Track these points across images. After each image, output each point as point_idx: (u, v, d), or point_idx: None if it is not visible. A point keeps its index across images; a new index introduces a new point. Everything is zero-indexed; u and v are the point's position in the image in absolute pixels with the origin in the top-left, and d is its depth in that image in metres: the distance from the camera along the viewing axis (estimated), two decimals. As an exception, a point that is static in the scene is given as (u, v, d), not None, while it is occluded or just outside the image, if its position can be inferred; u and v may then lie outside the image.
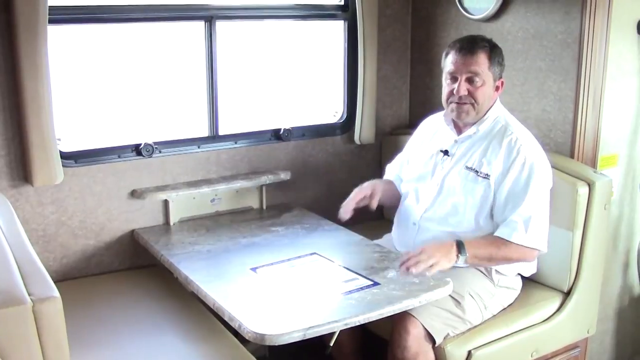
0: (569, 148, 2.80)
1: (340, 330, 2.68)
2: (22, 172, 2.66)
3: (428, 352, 2.37)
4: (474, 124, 2.59)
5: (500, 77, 2.57)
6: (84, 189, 2.83)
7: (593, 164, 2.81)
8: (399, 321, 2.37)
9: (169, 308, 2.64)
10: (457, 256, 2.39)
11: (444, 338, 2.39)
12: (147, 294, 2.76)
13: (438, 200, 2.63)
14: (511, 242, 2.43)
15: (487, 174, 2.51)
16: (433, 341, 2.37)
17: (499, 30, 3.03)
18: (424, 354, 2.36)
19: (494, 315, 2.55)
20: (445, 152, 2.65)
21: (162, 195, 2.93)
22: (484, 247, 2.46)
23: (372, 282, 2.32)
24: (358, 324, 2.13)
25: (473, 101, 2.52)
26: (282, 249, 2.71)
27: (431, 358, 2.38)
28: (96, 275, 2.93)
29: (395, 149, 3.29)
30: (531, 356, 2.60)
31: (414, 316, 2.34)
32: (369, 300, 2.21)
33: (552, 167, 2.60)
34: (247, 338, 2.04)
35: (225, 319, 2.16)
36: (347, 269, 2.46)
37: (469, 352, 2.41)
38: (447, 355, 2.38)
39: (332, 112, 3.50)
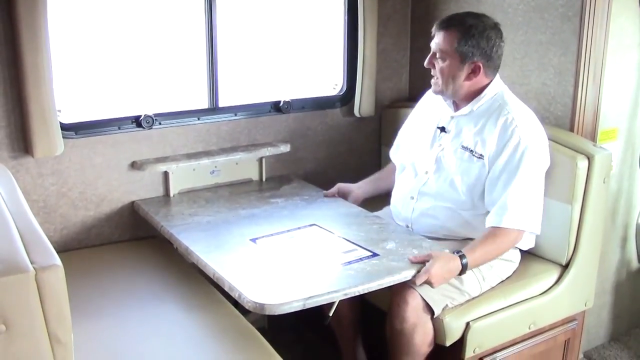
0: (569, 122, 2.80)
1: (340, 301, 2.71)
2: (23, 143, 2.66)
3: (426, 323, 2.39)
4: (469, 102, 2.58)
5: (474, 62, 2.50)
6: (84, 160, 2.83)
7: (593, 137, 2.82)
8: (397, 292, 2.39)
9: (168, 279, 2.65)
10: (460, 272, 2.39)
11: (443, 309, 2.41)
12: (147, 265, 2.78)
13: (435, 176, 2.64)
14: (503, 229, 2.43)
15: (481, 154, 2.51)
16: (431, 312, 2.38)
17: (500, 2, 3.02)
18: (422, 325, 2.38)
19: (492, 288, 2.56)
20: (442, 129, 2.65)
21: (162, 167, 2.94)
22: (480, 247, 2.44)
23: (371, 253, 2.34)
24: (357, 294, 2.15)
25: (437, 77, 2.57)
26: (282, 220, 2.72)
27: (429, 329, 2.40)
28: (96, 246, 2.95)
29: (395, 121, 3.30)
30: (529, 328, 2.62)
31: (412, 287, 2.36)
32: (368, 271, 2.23)
33: (552, 140, 2.60)
34: (247, 308, 2.07)
35: (225, 289, 2.17)
36: (347, 240, 2.48)
37: (467, 324, 2.43)
38: (445, 327, 2.39)
39: (332, 84, 3.49)
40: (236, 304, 2.55)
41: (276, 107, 3.27)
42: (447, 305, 2.42)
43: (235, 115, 3.18)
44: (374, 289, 2.17)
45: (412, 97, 3.44)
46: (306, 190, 3.10)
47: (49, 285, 1.56)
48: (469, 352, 2.44)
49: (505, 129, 2.48)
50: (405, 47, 3.58)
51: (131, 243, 3.01)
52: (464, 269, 2.35)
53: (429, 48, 2.58)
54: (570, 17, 2.73)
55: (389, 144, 3.26)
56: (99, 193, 2.91)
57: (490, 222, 2.47)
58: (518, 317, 2.57)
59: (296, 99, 3.33)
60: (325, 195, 2.88)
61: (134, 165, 2.93)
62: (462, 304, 2.47)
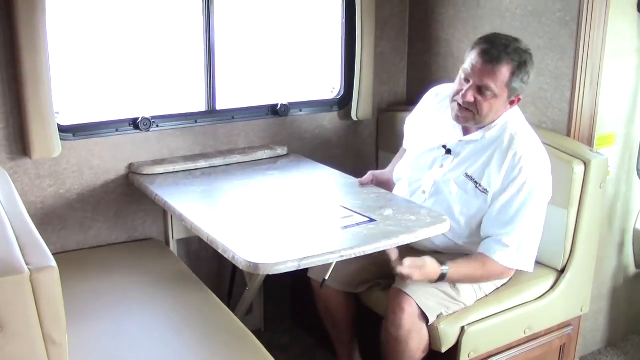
0: (566, 126, 2.80)
1: (336, 303, 2.73)
2: (21, 144, 2.66)
3: (422, 330, 2.39)
4: (480, 128, 2.47)
5: (518, 95, 2.40)
6: (81, 162, 2.83)
7: (590, 142, 2.82)
8: (394, 299, 2.39)
9: (164, 281, 2.65)
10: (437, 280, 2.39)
11: (437, 317, 2.41)
12: (143, 267, 2.78)
13: (431, 200, 2.55)
14: (494, 261, 2.39)
15: (485, 189, 2.41)
16: (427, 320, 2.39)
17: (497, 7, 3.02)
18: (418, 331, 2.38)
19: (487, 295, 2.56)
20: (449, 151, 2.54)
21: (159, 169, 2.93)
22: (466, 269, 2.43)
23: (368, 219, 2.33)
24: (354, 256, 2.13)
25: (476, 112, 2.37)
26: (278, 189, 2.77)
27: (425, 336, 2.40)
28: (94, 247, 2.95)
29: (392, 125, 3.31)
30: (524, 333, 2.62)
31: (409, 295, 2.36)
32: (365, 234, 2.22)
33: (549, 145, 2.60)
34: (241, 268, 2.06)
35: (219, 251, 2.17)
36: (344, 207, 2.48)
37: (462, 328, 2.43)
38: (441, 333, 2.39)
39: (329, 88, 3.50)
40: (232, 306, 2.57)
41: (273, 111, 3.28)
42: (442, 313, 2.42)
43: (233, 118, 3.18)
44: (370, 252, 2.17)
45: (410, 100, 3.45)
46: (303, 163, 3.14)
47: (44, 286, 1.57)
48: (463, 357, 2.45)
49: (513, 166, 2.37)
50: (403, 51, 3.59)
51: (128, 245, 3.01)
52: (440, 278, 2.37)
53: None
54: (568, 22, 2.74)
55: (386, 147, 3.28)
56: (97, 195, 2.91)
57: (483, 249, 2.42)
58: (513, 321, 2.57)
59: (293, 102, 3.33)
60: (361, 183, 2.77)
61: (131, 167, 2.93)
62: (457, 312, 2.47)
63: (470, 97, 2.35)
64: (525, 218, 2.37)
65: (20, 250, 1.66)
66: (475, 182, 2.44)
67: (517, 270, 2.52)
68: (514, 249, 2.38)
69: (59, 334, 1.62)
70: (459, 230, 2.50)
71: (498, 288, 2.59)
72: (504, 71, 2.31)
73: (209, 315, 2.41)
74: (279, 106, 3.27)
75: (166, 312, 2.43)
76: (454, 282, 2.44)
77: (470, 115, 2.39)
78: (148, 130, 2.95)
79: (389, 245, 2.22)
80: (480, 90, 2.34)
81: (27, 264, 1.58)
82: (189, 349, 2.20)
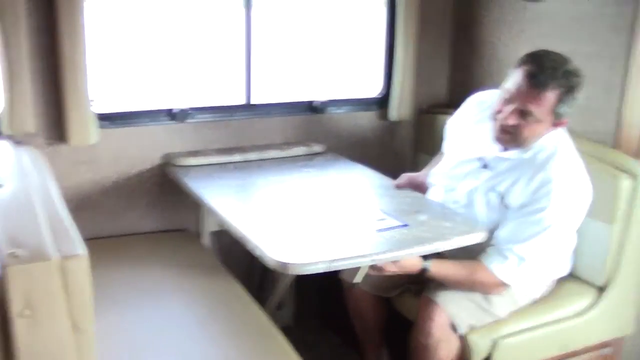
0: (613, 138, 2.70)
1: (366, 305, 2.69)
2: (59, 131, 2.67)
3: (451, 340, 2.33)
4: (519, 147, 2.34)
5: (563, 120, 2.26)
6: (118, 150, 2.83)
7: (638, 155, 2.72)
8: (424, 307, 2.34)
9: (194, 273, 2.64)
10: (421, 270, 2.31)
11: (468, 328, 2.35)
12: (174, 258, 2.77)
13: (462, 211, 2.46)
14: (487, 270, 2.30)
15: (508, 205, 2.33)
16: (457, 330, 2.33)
17: (545, 11, 2.94)
18: (447, 341, 2.32)
19: (522, 308, 2.48)
20: (484, 165, 2.46)
21: (193, 161, 2.92)
22: (454, 268, 2.35)
23: (401, 224, 2.28)
24: (385, 261, 2.12)
25: (517, 135, 2.27)
26: (313, 187, 2.73)
27: (454, 346, 2.34)
28: (126, 235, 2.95)
29: (431, 127, 3.25)
30: (560, 350, 2.54)
31: (439, 304, 2.31)
32: (397, 239, 2.17)
33: (593, 156, 2.51)
34: (269, 267, 2.03)
35: (249, 248, 2.14)
36: (378, 209, 2.43)
37: (494, 342, 2.36)
38: (471, 345, 2.34)
39: (369, 86, 3.45)
40: (262, 301, 2.54)
41: (310, 107, 3.24)
42: (473, 324, 2.36)
43: (270, 113, 3.15)
44: (402, 257, 2.14)
45: (451, 103, 3.38)
46: (340, 162, 3.08)
47: (73, 274, 1.57)
48: (494, 370, 2.39)
49: (539, 189, 2.26)
50: (446, 52, 3.52)
51: (160, 235, 3.01)
52: (423, 271, 2.29)
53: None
54: (620, 29, 2.64)
55: (425, 149, 3.21)
56: (132, 183, 2.91)
57: (482, 256, 2.33)
58: (548, 338, 2.49)
59: (331, 100, 3.29)
60: (397, 187, 2.71)
61: (166, 158, 2.92)
62: (490, 324, 2.40)
63: (511, 121, 2.24)
64: (538, 241, 2.27)
65: (52, 236, 1.65)
66: (502, 198, 2.36)
67: (555, 285, 2.45)
68: (514, 263, 2.28)
69: (85, 322, 1.63)
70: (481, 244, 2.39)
71: (535, 301, 2.51)
72: (550, 97, 2.18)
73: (237, 309, 2.39)
74: (316, 103, 3.23)
75: (194, 304, 2.41)
76: (438, 280, 2.36)
77: (510, 137, 2.29)
78: (184, 122, 2.93)
79: (422, 251, 2.17)
80: (523, 114, 2.22)
81: (57, 251, 1.58)
82: (214, 342, 2.18)
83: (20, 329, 1.53)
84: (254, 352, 2.15)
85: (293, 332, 2.33)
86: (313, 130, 3.27)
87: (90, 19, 2.55)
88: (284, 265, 1.97)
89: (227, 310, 2.39)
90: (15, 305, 1.51)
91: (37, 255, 1.55)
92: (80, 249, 1.61)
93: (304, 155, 3.15)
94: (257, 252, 2.07)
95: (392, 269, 2.24)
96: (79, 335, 1.62)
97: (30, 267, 1.52)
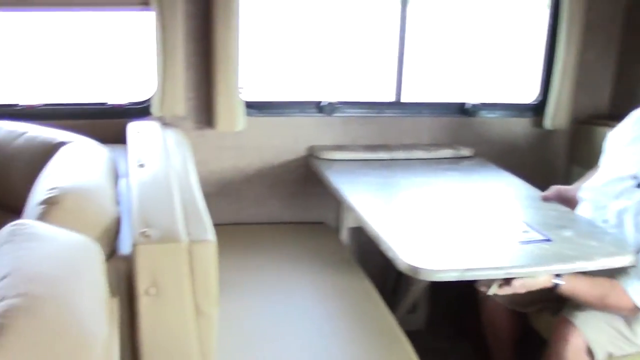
0: None
1: (500, 317, 2.59)
2: (207, 116, 2.75)
3: (586, 366, 2.19)
4: None
5: None
6: (263, 139, 2.88)
7: None
8: (559, 327, 2.21)
9: (327, 267, 2.64)
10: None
11: (606, 356, 2.19)
12: (308, 250, 2.78)
13: (612, 231, 2.28)
14: (622, 291, 2.12)
15: None
16: (593, 356, 2.18)
17: None
18: None
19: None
20: (639, 184, 2.27)
21: (338, 155, 2.92)
22: (588, 285, 2.16)
23: (544, 238, 2.15)
24: (520, 276, 2.01)
25: None
26: (457, 192, 2.65)
27: None
28: (265, 224, 3.00)
29: (589, 139, 3.07)
30: None
31: (576, 326, 2.17)
32: (537, 254, 2.05)
33: None
34: (400, 270, 1.97)
35: (381, 248, 2.10)
36: (521, 220, 2.31)
37: (636, 375, 2.19)
38: (608, 374, 2.18)
39: (524, 92, 3.31)
40: (394, 303, 2.50)
41: (461, 109, 3.16)
42: (612, 353, 2.20)
43: (419, 112, 3.10)
44: (540, 274, 2.03)
45: (614, 115, 3.16)
46: (486, 168, 2.98)
47: (200, 258, 1.60)
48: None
49: None
50: (613, 60, 3.30)
51: (298, 226, 3.03)
52: (555, 287, 2.11)
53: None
54: None
55: (580, 162, 3.04)
56: (275, 173, 2.95)
57: (618, 275, 2.15)
58: None
59: (484, 103, 3.19)
60: (544, 199, 2.59)
61: (311, 150, 2.94)
62: (631, 355, 2.23)
63: None
64: None
65: (185, 220, 1.69)
66: None
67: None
68: None
69: (209, 306, 1.65)
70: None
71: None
72: None
73: (366, 308, 2.36)
74: (468, 105, 3.14)
75: (323, 298, 2.41)
76: (569, 297, 2.19)
77: None
78: (331, 115, 2.94)
79: (562, 270, 2.04)
80: None
81: (187, 234, 1.61)
82: (337, 338, 2.17)
83: (145, 306, 1.58)
84: (376, 354, 2.11)
85: (423, 337, 2.28)
86: (462, 133, 3.18)
87: (245, 7, 2.60)
88: (415, 269, 1.92)
89: (355, 308, 2.37)
90: (142, 283, 1.56)
91: (167, 237, 1.59)
92: (210, 234, 1.64)
93: (451, 158, 3.07)
94: (390, 254, 2.03)
95: (519, 290, 2.13)
96: (201, 318, 1.65)
97: (159, 248, 1.57)
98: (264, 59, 2.93)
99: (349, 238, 3.08)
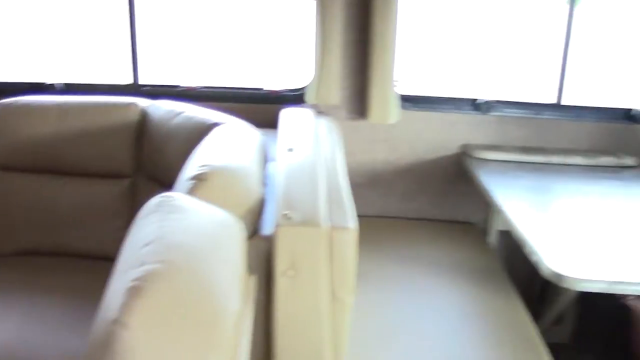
0: None
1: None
2: (360, 106, 2.75)
3: None
4: None
5: None
6: (415, 133, 2.85)
7: None
8: None
9: (469, 269, 2.58)
10: None
11: None
12: (452, 249, 2.73)
13: None
14: None
15: None
16: None
17: None
18: None
19: None
20: None
21: (491, 155, 2.84)
22: None
23: None
24: None
25: None
26: (616, 202, 2.50)
27: None
28: (411, 219, 2.97)
29: None
30: None
31: None
32: None
33: None
34: (543, 275, 1.90)
35: (525, 251, 2.03)
36: None
37: None
38: None
39: None
40: (538, 312, 2.40)
41: (628, 115, 2.97)
42: None
43: (579, 116, 2.95)
44: None
45: None
46: None
47: (340, 244, 1.61)
48: None
49: None
50: None
51: (445, 224, 2.98)
52: None
53: None
54: None
55: None
56: (425, 168, 2.92)
57: None
58: None
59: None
60: None
61: (464, 148, 2.87)
62: None
63: None
64: None
65: (328, 205, 1.71)
66: None
67: None
68: None
69: (345, 293, 1.66)
70: None
71: None
72: None
73: (506, 315, 2.29)
74: (635, 112, 2.95)
75: (461, 299, 2.36)
76: None
77: None
78: (487, 113, 2.86)
79: None
80: None
81: (329, 220, 1.63)
82: (471, 342, 2.12)
83: (282, 287, 1.61)
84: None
85: (568, 351, 2.19)
86: (626, 141, 2.99)
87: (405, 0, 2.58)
88: (559, 276, 1.83)
89: (495, 313, 2.30)
90: (281, 264, 1.59)
91: (309, 220, 1.61)
92: (351, 222, 1.65)
93: (612, 166, 2.90)
94: (534, 258, 1.96)
95: None
96: (336, 304, 1.66)
97: (300, 231, 1.59)
98: (420, 52, 2.90)
99: (496, 241, 2.99)
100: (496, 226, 2.94)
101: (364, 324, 2.05)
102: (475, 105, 2.86)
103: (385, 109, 2.67)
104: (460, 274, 2.52)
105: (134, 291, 1.06)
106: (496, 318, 2.27)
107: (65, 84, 2.96)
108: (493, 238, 2.96)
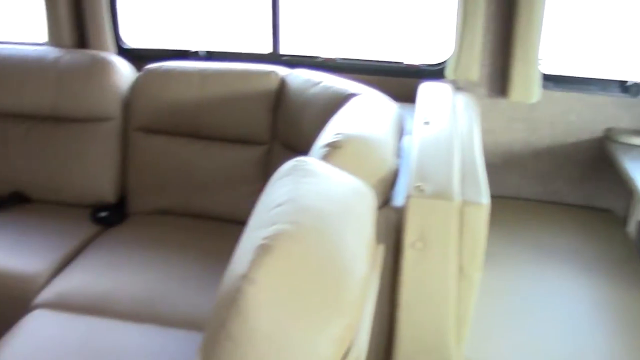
0: None
1: None
2: (501, 84, 2.69)
3: None
4: None
5: None
6: (557, 114, 2.75)
7: None
8: None
9: (604, 257, 2.48)
10: None
11: None
12: (588, 237, 2.63)
13: None
14: None
15: None
16: None
17: None
18: None
19: None
20: None
21: (638, 141, 2.70)
22: None
23: None
24: None
25: None
26: None
27: None
28: (546, 202, 2.89)
29: None
30: None
31: None
32: None
33: None
34: None
35: None
36: None
37: None
38: None
39: None
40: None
41: None
42: None
43: None
44: None
45: None
46: None
47: (471, 220, 1.60)
48: None
49: None
50: None
51: (582, 210, 2.88)
52: None
53: None
54: None
55: None
56: (565, 152, 2.82)
57: None
58: None
59: None
60: None
61: (608, 132, 2.75)
62: None
63: None
64: None
65: (461, 180, 1.69)
66: None
67: None
68: None
69: (473, 269, 1.65)
70: None
71: None
72: None
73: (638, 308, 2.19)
74: None
75: (593, 290, 2.27)
76: None
77: None
78: (637, 97, 2.72)
79: None
80: None
81: (461, 194, 1.61)
82: (601, 336, 2.03)
83: (409, 259, 1.61)
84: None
85: None
86: None
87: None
88: None
89: (628, 306, 2.20)
90: (410, 235, 1.60)
91: (441, 193, 1.61)
92: (484, 198, 1.62)
93: None
94: None
95: None
96: (463, 280, 1.65)
97: (431, 203, 1.59)
98: (568, 29, 2.79)
99: (636, 231, 2.86)
100: (637, 216, 2.81)
101: (489, 304, 2.03)
102: (624, 87, 2.72)
103: (527, 88, 2.59)
104: (595, 263, 2.43)
105: (264, 249, 1.10)
106: (630, 311, 2.17)
107: (208, 51, 3.07)
108: (633, 228, 2.83)
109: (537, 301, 2.16)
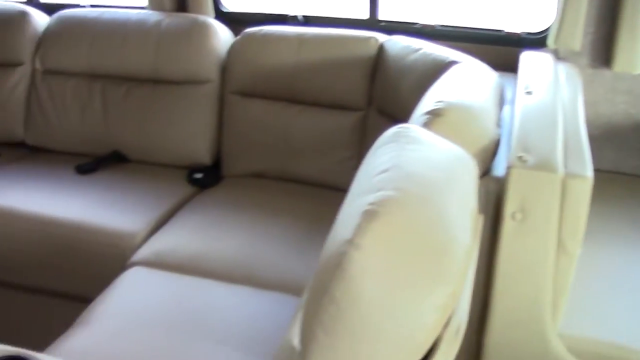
0: None
1: None
2: (605, 54, 2.59)
3: None
4: None
5: None
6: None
7: None
8: None
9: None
10: None
11: None
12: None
13: None
14: None
15: None
16: None
17: None
18: None
19: None
20: None
21: None
22: None
23: None
24: None
25: None
26: None
27: None
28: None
29: None
30: None
31: None
32: None
33: None
34: None
35: None
36: None
37: None
38: None
39: None
40: None
41: None
42: None
43: None
44: None
45: None
46: None
47: (574, 193, 1.57)
48: None
49: None
50: None
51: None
52: None
53: None
54: None
55: None
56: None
57: None
58: None
59: None
60: None
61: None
62: None
63: None
64: None
65: (564, 152, 1.66)
66: None
67: None
68: None
69: (573, 244, 1.62)
70: None
71: None
72: None
73: None
74: None
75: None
76: None
77: None
78: None
79: None
80: None
81: (564, 166, 1.58)
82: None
83: (508, 229, 1.60)
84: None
85: None
86: None
87: None
88: None
89: None
90: (510, 206, 1.58)
91: (543, 165, 1.58)
92: (588, 171, 1.59)
93: None
94: None
95: None
96: (562, 254, 1.62)
97: (533, 174, 1.57)
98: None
99: None
100: None
101: (586, 279, 1.98)
102: None
103: (632, 58, 2.49)
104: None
105: (370, 214, 1.10)
106: None
107: (306, 16, 3.07)
108: None
109: (635, 279, 2.10)
